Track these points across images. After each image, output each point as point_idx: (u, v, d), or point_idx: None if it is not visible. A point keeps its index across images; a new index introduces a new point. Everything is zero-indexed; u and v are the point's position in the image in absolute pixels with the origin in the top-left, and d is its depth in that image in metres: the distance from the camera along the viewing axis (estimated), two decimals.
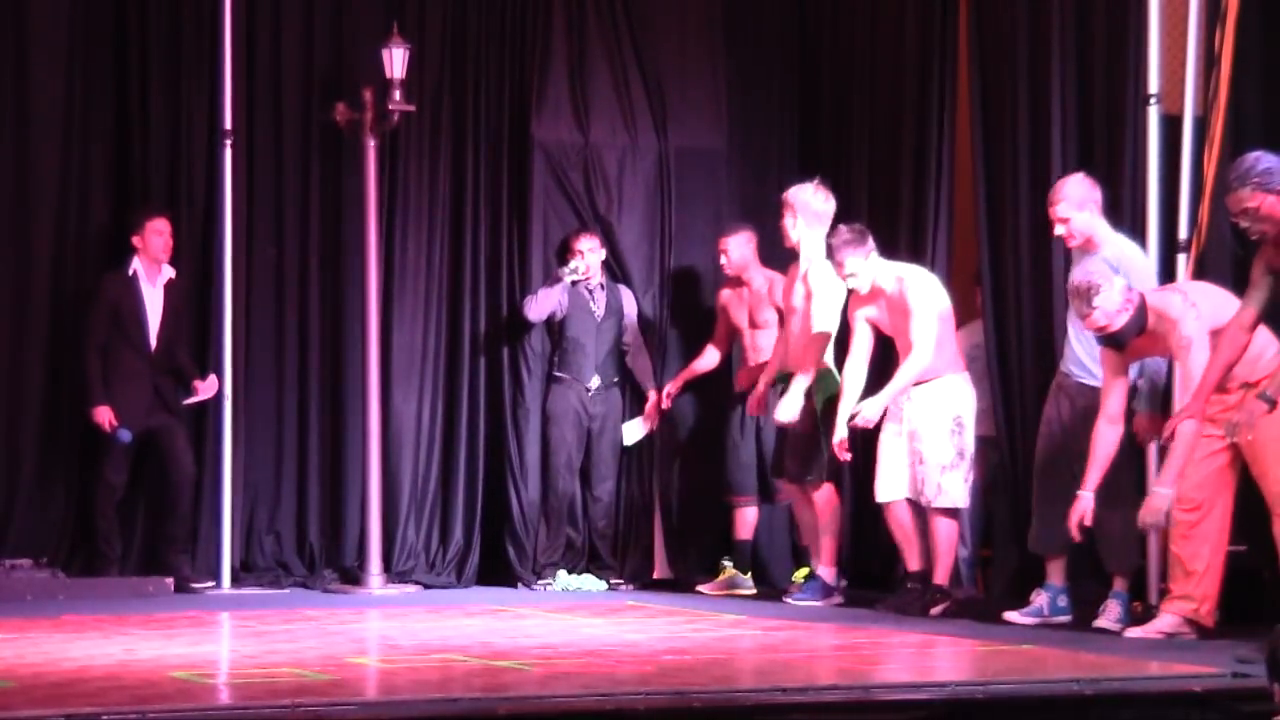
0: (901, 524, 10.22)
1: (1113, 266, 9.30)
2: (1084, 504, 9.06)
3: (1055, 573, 9.60)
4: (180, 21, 11.45)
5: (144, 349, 11.15)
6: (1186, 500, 8.78)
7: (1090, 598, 9.60)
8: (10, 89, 11.19)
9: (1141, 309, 8.83)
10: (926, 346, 10.02)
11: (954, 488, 10.07)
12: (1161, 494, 8.72)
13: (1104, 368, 9.13)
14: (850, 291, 10.35)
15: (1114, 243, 9.49)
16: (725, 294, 11.71)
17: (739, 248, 11.51)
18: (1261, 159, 8.33)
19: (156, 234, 11.12)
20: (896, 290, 10.18)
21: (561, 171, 12.07)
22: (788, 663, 8.51)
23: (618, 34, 12.21)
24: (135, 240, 11.14)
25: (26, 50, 11.22)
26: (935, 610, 9.93)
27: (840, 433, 10.24)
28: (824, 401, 10.51)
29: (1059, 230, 9.54)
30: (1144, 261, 9.52)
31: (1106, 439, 9.07)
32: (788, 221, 10.73)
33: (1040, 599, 9.55)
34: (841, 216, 11.93)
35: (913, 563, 10.22)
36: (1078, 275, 9.06)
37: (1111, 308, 8.81)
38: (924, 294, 10.12)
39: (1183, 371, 8.76)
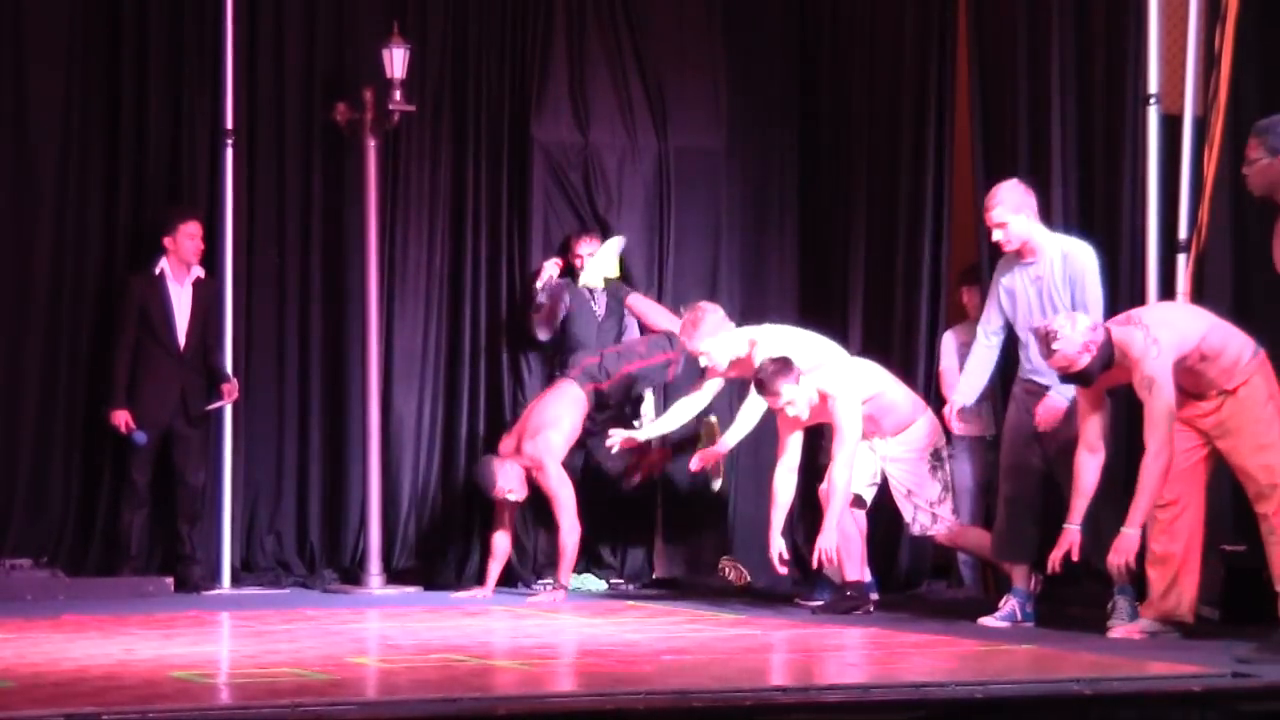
0: (844, 531, 10.20)
1: (1068, 274, 9.31)
2: (1070, 537, 8.90)
3: (1021, 578, 9.59)
4: (181, 21, 11.46)
5: (172, 348, 11.17)
6: (1161, 497, 8.79)
7: (1090, 599, 9.60)
8: (10, 89, 11.20)
9: (1106, 345, 8.68)
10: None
11: (946, 513, 10.15)
12: (1130, 535, 8.64)
13: (1079, 400, 9.04)
14: (779, 413, 10.08)
15: (1054, 245, 9.48)
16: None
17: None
18: None
19: (189, 237, 11.15)
20: (821, 405, 10.00)
21: (561, 171, 12.08)
22: (788, 663, 8.51)
23: (618, 34, 12.22)
24: (166, 241, 11.15)
25: (26, 50, 11.23)
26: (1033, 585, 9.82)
27: (777, 545, 10.03)
28: None
29: (996, 235, 9.54)
30: (1089, 258, 9.45)
31: (1089, 468, 8.93)
32: (704, 360, 10.64)
33: (1010, 604, 9.55)
34: (841, 216, 11.99)
35: (850, 573, 10.22)
36: (1040, 320, 9.04)
37: (1071, 350, 8.68)
38: (849, 407, 9.90)
39: (1147, 412, 8.60)
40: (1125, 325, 8.79)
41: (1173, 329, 8.69)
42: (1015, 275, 9.57)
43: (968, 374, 9.93)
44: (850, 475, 9.92)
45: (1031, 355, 9.56)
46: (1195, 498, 8.80)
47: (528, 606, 10.49)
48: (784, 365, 10.00)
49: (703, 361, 10.72)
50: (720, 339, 10.60)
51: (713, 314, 10.66)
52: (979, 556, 10.63)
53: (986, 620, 9.54)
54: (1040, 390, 9.48)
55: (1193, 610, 8.83)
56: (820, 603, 10.46)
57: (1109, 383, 8.90)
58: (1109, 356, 8.69)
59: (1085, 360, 8.67)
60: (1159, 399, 8.54)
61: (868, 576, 10.31)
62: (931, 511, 10.10)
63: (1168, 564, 8.81)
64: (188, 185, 11.46)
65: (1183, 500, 8.78)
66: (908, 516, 10.19)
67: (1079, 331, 8.68)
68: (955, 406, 9.90)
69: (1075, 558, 8.99)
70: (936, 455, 10.12)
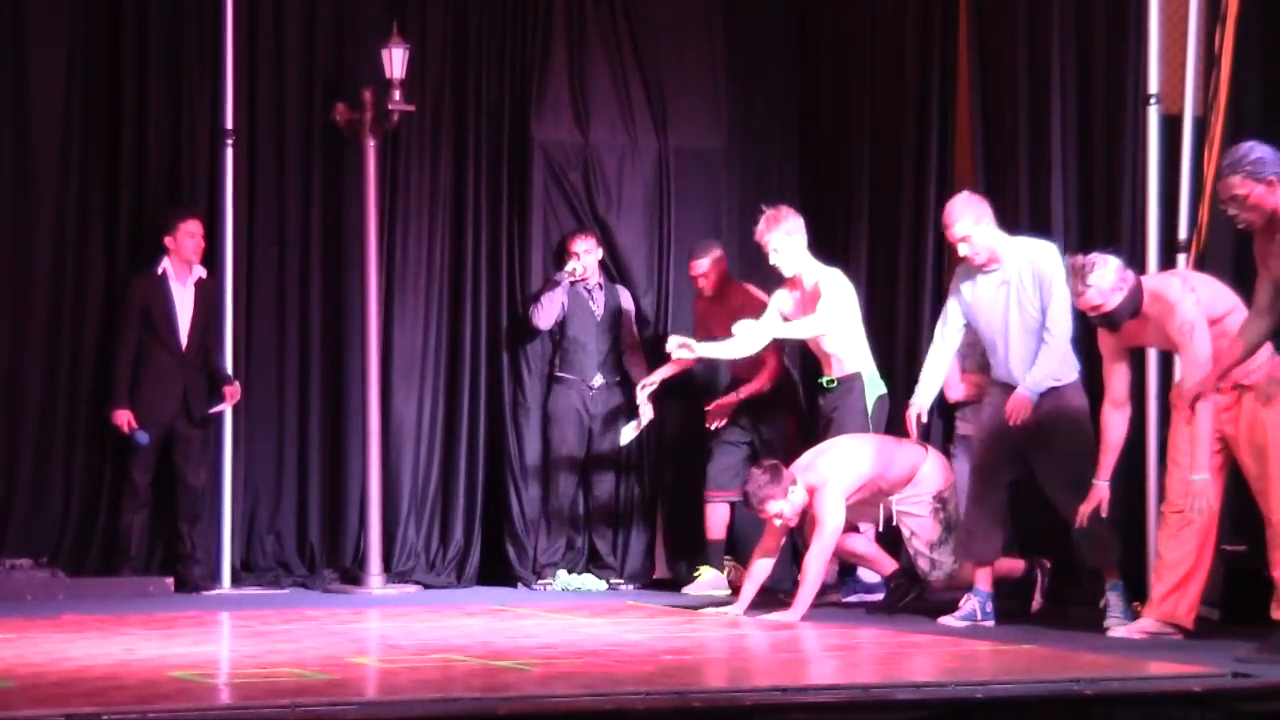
0: (852, 550, 10.31)
1: (1037, 276, 9.33)
2: (1099, 493, 9.04)
3: (983, 579, 9.60)
4: (181, 21, 11.46)
5: (175, 348, 11.18)
6: (1173, 504, 8.79)
7: (1090, 599, 9.61)
8: (10, 89, 11.19)
9: (1137, 289, 8.79)
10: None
11: (944, 558, 10.10)
12: (1200, 481, 8.54)
13: (1103, 353, 9.10)
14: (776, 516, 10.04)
15: (1017, 250, 9.51)
16: (702, 306, 11.63)
17: (715, 268, 11.42)
18: (1255, 148, 8.29)
19: (189, 236, 11.16)
20: (810, 500, 9.98)
21: (561, 171, 12.08)
22: (788, 663, 8.52)
23: (618, 34, 12.22)
24: (167, 240, 11.16)
25: (27, 50, 11.22)
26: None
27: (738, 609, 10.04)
28: (874, 401, 10.60)
29: (963, 250, 9.58)
30: (1054, 256, 9.47)
31: (1115, 424, 9.03)
32: (774, 259, 10.63)
33: (971, 604, 9.55)
34: (841, 218, 12.00)
35: (884, 569, 10.29)
36: (1076, 255, 9.06)
37: (1106, 286, 8.74)
38: (833, 498, 9.86)
39: (1186, 357, 8.65)
40: (1161, 275, 8.87)
41: (1207, 289, 8.77)
42: (976, 283, 9.62)
43: (928, 379, 9.95)
44: (823, 567, 9.94)
45: (999, 360, 9.59)
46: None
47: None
48: (775, 475, 9.90)
49: (773, 259, 10.61)
50: (796, 244, 10.57)
51: (797, 219, 10.63)
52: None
53: (946, 619, 9.54)
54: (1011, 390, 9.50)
55: (1192, 616, 8.83)
56: (858, 598, 10.63)
57: (1131, 338, 8.93)
58: (1137, 303, 8.74)
59: (1117, 299, 8.71)
60: (1200, 342, 8.56)
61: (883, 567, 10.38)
62: (930, 556, 10.08)
63: (1174, 570, 8.80)
64: (188, 185, 11.46)
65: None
66: (911, 556, 10.21)
67: (1111, 269, 8.72)
68: (915, 410, 9.91)
69: (1104, 513, 9.05)
70: (940, 498, 10.11)
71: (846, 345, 10.63)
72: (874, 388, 10.62)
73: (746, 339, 10.59)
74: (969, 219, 9.57)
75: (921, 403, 9.93)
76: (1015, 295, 9.48)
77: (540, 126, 12.05)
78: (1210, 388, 8.46)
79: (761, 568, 10.13)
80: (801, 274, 10.63)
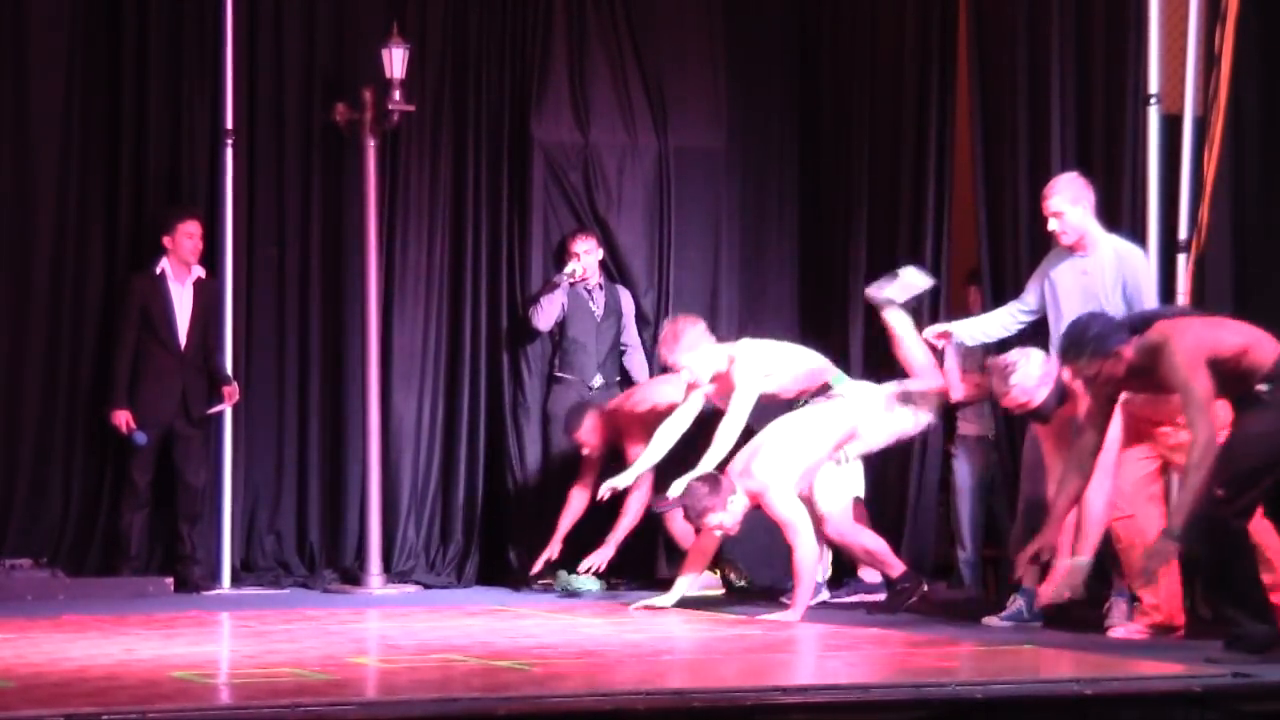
0: (864, 548, 10.26)
1: (1119, 275, 9.28)
2: (1082, 571, 8.90)
3: (1030, 578, 9.58)
4: (181, 21, 11.46)
5: (174, 347, 11.18)
6: (1118, 510, 8.80)
7: (1091, 599, 9.60)
8: (10, 89, 11.19)
9: (1059, 380, 8.74)
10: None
11: (922, 407, 10.09)
12: (1080, 565, 8.63)
13: (1040, 438, 9.10)
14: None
15: (1107, 243, 9.48)
16: (622, 420, 11.27)
17: (595, 432, 11.12)
18: (1090, 323, 8.19)
19: (187, 236, 11.17)
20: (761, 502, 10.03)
21: (561, 171, 12.08)
22: (788, 663, 8.52)
23: (618, 34, 12.22)
24: (165, 240, 11.17)
25: (26, 50, 11.23)
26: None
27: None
28: None
29: (1053, 225, 9.53)
30: (1144, 263, 9.49)
31: (1095, 501, 8.85)
32: (686, 376, 10.44)
33: (1018, 603, 9.54)
34: (841, 218, 11.98)
35: (892, 571, 10.24)
36: (998, 356, 9.08)
37: (1030, 383, 8.73)
38: (785, 503, 9.86)
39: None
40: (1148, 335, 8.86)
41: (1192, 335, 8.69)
42: (1064, 266, 9.55)
43: (979, 319, 9.94)
44: (813, 564, 9.95)
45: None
46: (1152, 510, 8.82)
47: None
48: (714, 487, 9.90)
49: (684, 376, 10.49)
50: (701, 352, 10.40)
51: (693, 328, 10.44)
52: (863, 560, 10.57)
53: (991, 620, 9.52)
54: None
55: (1181, 610, 8.83)
56: (859, 598, 10.60)
57: (1067, 417, 8.91)
58: (1063, 391, 8.74)
59: (1043, 395, 8.70)
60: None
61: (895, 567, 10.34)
62: (911, 429, 10.17)
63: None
64: (188, 185, 11.46)
65: (1141, 515, 8.78)
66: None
67: (1034, 364, 8.69)
68: (945, 329, 9.90)
69: (1080, 595, 8.93)
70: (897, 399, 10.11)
71: (799, 379, 10.46)
72: (841, 382, 10.58)
73: (668, 444, 10.48)
74: (1067, 196, 9.48)
75: (955, 329, 9.91)
76: (1092, 286, 9.39)
77: (540, 126, 12.05)
78: (1042, 550, 8.51)
79: (694, 563, 10.31)
80: (716, 365, 10.46)
